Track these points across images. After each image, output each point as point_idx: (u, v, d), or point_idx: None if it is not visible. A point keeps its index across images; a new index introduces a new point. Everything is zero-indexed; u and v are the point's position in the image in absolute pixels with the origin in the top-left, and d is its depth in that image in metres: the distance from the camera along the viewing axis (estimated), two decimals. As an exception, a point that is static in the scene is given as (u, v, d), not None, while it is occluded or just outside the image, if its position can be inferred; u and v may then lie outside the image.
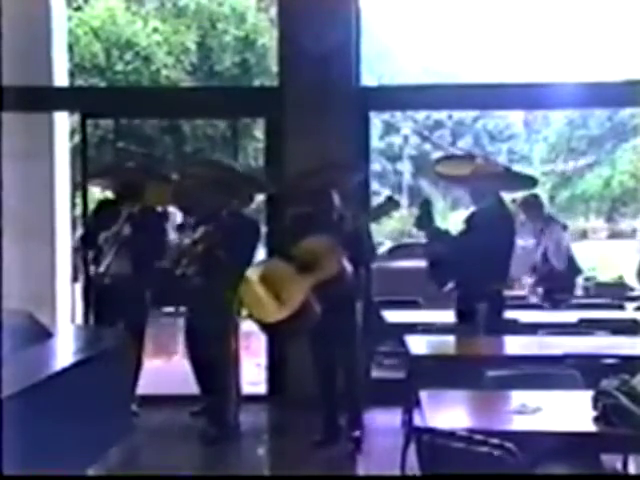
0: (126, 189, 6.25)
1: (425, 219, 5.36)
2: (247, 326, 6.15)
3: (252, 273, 5.41)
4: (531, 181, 6.36)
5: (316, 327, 5.26)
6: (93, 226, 6.30)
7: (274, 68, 12.96)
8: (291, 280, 5.17)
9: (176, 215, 7.57)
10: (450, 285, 5.59)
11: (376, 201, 6.23)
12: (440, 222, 5.61)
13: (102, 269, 6.13)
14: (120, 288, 6.04)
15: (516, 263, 5.74)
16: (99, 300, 6.25)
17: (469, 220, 5.54)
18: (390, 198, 5.51)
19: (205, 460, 5.66)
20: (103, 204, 6.60)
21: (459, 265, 5.37)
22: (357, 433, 5.61)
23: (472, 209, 5.64)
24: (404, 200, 26.81)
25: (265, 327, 5.38)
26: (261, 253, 6.72)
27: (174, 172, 7.00)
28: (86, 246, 6.46)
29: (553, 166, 29.77)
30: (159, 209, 6.64)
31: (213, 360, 5.82)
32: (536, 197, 7.82)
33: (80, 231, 6.49)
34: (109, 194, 6.86)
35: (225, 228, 5.76)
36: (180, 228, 6.17)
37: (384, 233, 20.46)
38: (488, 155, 7.69)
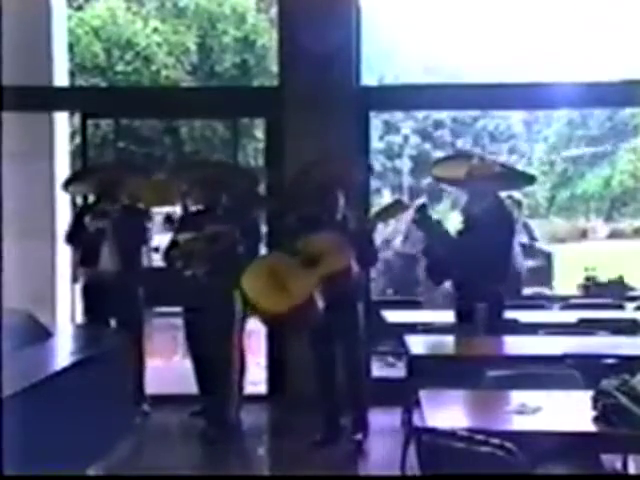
0: (103, 189, 6.23)
1: (424, 222, 5.37)
2: (247, 325, 6.15)
3: (256, 264, 5.38)
4: (529, 178, 6.35)
5: (319, 325, 5.25)
6: (77, 228, 6.29)
7: (274, 69, 12.98)
8: (298, 272, 5.13)
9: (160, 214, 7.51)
10: (447, 284, 5.60)
11: (376, 200, 6.26)
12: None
13: (90, 269, 6.16)
14: (110, 288, 6.06)
15: None
16: (91, 300, 6.26)
17: (468, 220, 5.54)
18: (398, 201, 5.55)
19: (205, 460, 5.66)
20: (84, 207, 6.62)
21: (458, 265, 5.37)
22: (359, 436, 5.60)
23: (471, 209, 5.64)
24: (404, 199, 26.73)
25: (268, 320, 5.35)
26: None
27: (167, 174, 7.00)
28: (72, 247, 6.50)
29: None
30: (141, 207, 6.61)
31: (218, 360, 5.79)
32: None
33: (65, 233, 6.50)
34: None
35: (235, 227, 5.74)
36: (181, 227, 6.12)
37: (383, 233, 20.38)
38: (484, 154, 7.58)
